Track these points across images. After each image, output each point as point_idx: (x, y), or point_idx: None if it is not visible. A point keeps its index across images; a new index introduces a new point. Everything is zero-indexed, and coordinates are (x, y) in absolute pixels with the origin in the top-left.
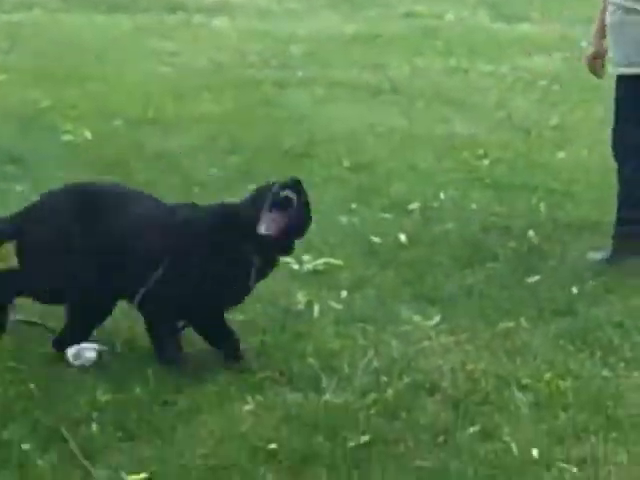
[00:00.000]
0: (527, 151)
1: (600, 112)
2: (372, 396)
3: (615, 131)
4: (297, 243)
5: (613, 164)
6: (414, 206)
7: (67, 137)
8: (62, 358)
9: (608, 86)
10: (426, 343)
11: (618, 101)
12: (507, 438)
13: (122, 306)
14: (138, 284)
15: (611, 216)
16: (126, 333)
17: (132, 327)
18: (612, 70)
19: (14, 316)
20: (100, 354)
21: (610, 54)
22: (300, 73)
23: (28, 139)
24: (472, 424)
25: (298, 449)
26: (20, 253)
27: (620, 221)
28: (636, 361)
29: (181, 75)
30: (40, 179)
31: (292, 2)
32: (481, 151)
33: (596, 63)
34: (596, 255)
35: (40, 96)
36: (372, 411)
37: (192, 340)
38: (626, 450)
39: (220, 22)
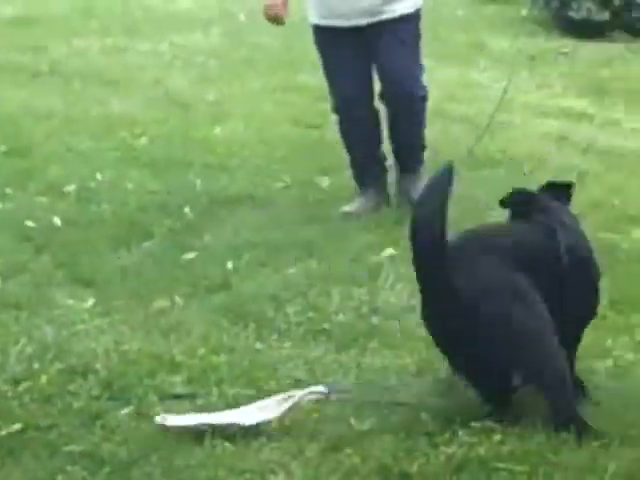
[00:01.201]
0: (184, 127)
1: (256, 85)
2: (25, 384)
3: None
4: None
5: (267, 136)
6: (70, 188)
7: None
8: None
9: (262, 58)
10: (80, 326)
11: None
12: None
13: None
14: None
15: (262, 189)
16: None
17: None
18: None
19: None
20: None
21: None
22: None
23: None
24: (127, 404)
25: None
26: None
27: None
28: (288, 332)
29: None
30: None
31: None
32: (139, 130)
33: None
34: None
35: None
36: (26, 399)
37: None
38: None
39: None
